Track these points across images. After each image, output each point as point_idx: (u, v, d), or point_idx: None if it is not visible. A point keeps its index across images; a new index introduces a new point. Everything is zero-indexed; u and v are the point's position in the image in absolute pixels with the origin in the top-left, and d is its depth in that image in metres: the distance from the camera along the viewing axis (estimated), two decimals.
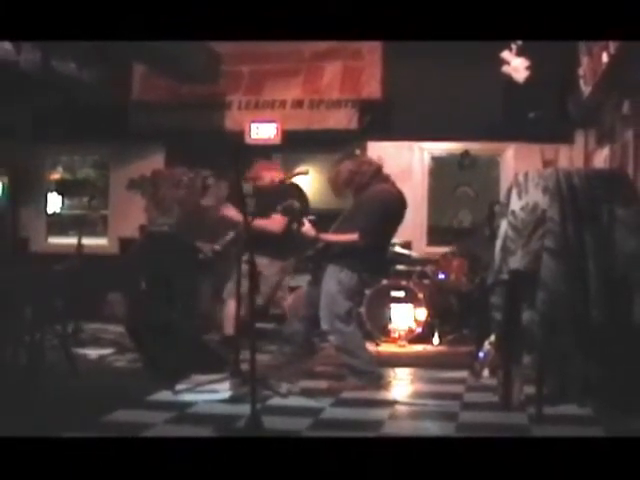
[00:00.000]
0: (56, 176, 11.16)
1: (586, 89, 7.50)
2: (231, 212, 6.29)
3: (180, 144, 9.37)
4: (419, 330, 7.65)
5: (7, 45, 6.74)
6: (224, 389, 5.28)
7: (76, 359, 6.15)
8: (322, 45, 9.10)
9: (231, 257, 6.28)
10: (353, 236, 5.45)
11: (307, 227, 5.57)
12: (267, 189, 6.56)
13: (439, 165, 9.55)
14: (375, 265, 5.77)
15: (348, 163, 5.79)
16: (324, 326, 5.55)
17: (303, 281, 6.16)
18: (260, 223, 6.05)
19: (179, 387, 5.32)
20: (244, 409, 4.33)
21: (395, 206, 5.71)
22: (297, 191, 6.64)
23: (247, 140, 9.25)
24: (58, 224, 11.32)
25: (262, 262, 6.19)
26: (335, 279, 5.49)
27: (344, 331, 5.52)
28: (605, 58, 6.30)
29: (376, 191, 5.65)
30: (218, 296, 6.98)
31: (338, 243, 5.53)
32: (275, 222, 6.28)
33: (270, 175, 6.65)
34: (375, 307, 7.66)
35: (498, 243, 5.40)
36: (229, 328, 6.26)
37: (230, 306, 6.23)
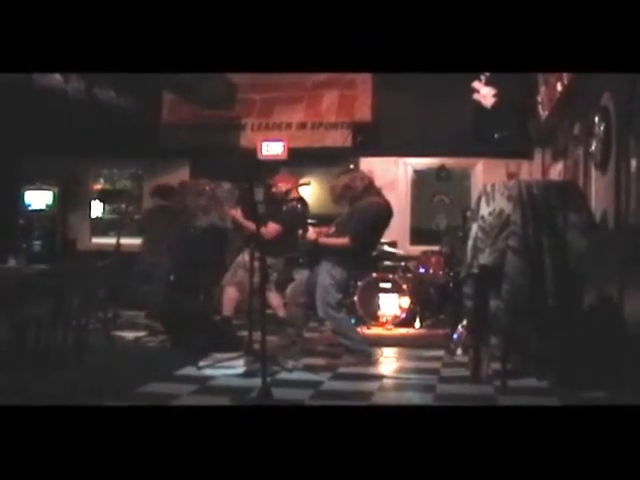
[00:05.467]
0: (98, 186, 11.11)
1: (543, 113, 7.49)
2: (237, 214, 6.16)
3: (203, 159, 9.37)
4: (403, 316, 7.64)
5: (57, 76, 6.74)
6: (239, 365, 5.28)
7: (115, 340, 6.16)
8: (322, 76, 9.12)
9: (231, 251, 6.36)
10: (345, 240, 5.44)
11: (310, 232, 5.58)
12: (279, 196, 6.54)
13: (420, 177, 9.56)
14: (362, 263, 5.84)
15: (344, 178, 5.75)
16: (320, 314, 5.55)
17: (302, 275, 6.14)
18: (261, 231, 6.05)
19: (201, 364, 5.32)
20: (256, 382, 4.34)
21: (382, 216, 5.68)
22: (301, 200, 6.63)
23: (259, 156, 9.25)
24: (100, 227, 11.25)
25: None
26: (328, 274, 5.48)
27: (336, 317, 5.52)
28: (559, 87, 6.30)
29: (367, 203, 5.60)
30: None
31: (333, 245, 5.53)
32: (270, 230, 6.18)
33: (285, 186, 6.58)
34: (366, 296, 7.65)
35: (469, 243, 5.40)
36: (227, 310, 6.35)
37: (228, 292, 6.37)
